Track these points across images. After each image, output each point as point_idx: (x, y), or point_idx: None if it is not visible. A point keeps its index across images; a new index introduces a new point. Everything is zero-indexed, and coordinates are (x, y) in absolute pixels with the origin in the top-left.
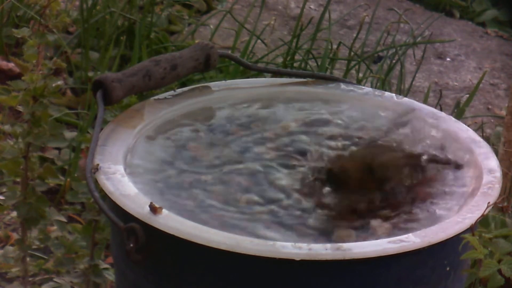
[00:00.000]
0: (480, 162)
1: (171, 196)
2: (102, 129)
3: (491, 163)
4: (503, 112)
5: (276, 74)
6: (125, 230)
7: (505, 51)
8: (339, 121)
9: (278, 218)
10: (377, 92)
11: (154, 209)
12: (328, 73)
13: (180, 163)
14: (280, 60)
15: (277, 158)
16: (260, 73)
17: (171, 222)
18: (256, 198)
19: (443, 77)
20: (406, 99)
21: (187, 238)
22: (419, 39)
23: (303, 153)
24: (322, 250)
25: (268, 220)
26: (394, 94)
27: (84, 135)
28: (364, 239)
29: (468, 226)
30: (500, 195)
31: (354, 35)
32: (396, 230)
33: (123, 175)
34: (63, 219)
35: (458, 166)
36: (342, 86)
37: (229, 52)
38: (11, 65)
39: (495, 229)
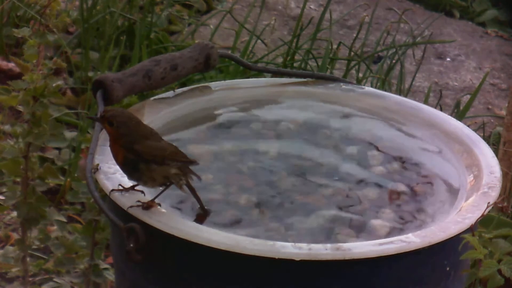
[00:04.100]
0: (480, 162)
1: (171, 196)
2: (102, 129)
3: (491, 163)
4: (503, 112)
5: (276, 74)
6: (125, 230)
7: (505, 51)
8: (338, 121)
9: (279, 217)
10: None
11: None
12: (328, 73)
13: None
14: (280, 60)
15: (278, 157)
16: (260, 73)
17: (171, 222)
18: (255, 198)
19: (443, 77)
20: (407, 100)
21: (187, 238)
22: (419, 39)
23: (303, 152)
24: (322, 250)
25: (266, 219)
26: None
27: (84, 135)
28: (364, 239)
29: (468, 226)
30: (500, 195)
31: (354, 35)
32: (396, 230)
33: (123, 175)
34: (63, 219)
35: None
36: (342, 86)
37: (229, 52)
38: (11, 65)
39: (495, 229)
